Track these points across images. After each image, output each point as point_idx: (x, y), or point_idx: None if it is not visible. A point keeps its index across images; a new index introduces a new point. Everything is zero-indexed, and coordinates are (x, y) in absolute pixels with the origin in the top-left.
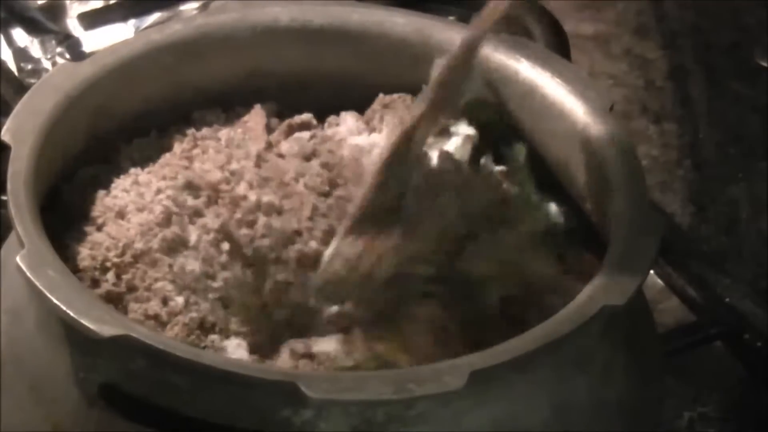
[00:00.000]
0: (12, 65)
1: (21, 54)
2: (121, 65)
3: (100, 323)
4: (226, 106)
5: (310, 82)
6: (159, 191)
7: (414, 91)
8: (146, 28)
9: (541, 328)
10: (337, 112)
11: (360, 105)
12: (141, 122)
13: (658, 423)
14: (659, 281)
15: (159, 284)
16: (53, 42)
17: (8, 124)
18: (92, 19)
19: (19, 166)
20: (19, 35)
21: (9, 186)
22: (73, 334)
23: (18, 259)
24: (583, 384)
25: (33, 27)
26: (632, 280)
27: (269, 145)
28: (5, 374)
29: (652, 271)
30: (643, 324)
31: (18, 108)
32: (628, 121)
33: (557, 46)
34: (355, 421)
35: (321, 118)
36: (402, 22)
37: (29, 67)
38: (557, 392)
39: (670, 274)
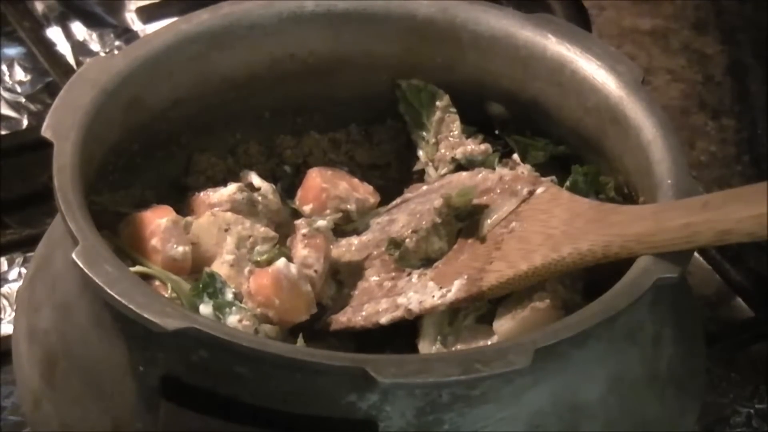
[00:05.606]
0: (71, 59)
1: (80, 47)
2: (152, 57)
3: (164, 317)
4: (251, 93)
5: (336, 66)
6: None
7: (440, 70)
8: None
9: (597, 303)
10: (362, 96)
11: (385, 89)
12: (170, 113)
13: (703, 393)
14: (717, 277)
15: None
16: (112, 35)
17: (48, 120)
18: (150, 13)
19: (63, 161)
20: (78, 29)
21: (56, 182)
22: (131, 328)
23: (74, 255)
24: (636, 355)
25: (92, 21)
26: (685, 252)
27: None
28: (59, 370)
29: (710, 267)
30: (683, 294)
31: (56, 103)
32: (686, 116)
33: (579, 22)
34: (420, 403)
35: (348, 102)
36: (427, 3)
37: (88, 60)
38: (612, 365)
39: (729, 271)
